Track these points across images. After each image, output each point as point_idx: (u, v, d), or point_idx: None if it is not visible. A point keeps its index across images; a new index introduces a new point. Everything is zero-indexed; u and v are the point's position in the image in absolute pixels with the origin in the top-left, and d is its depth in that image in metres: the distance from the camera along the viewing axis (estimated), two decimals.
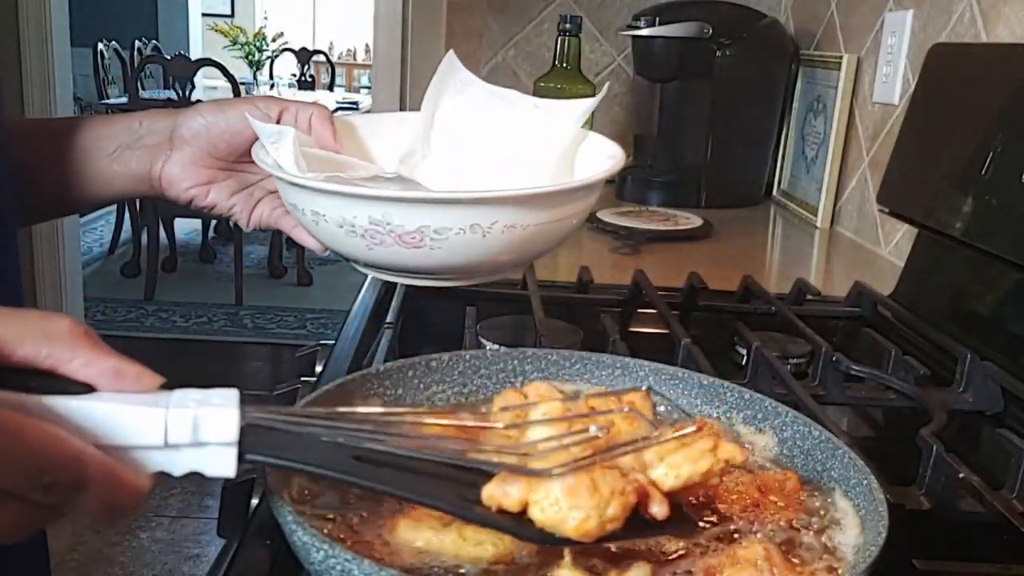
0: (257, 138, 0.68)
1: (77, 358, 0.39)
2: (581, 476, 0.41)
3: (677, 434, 0.46)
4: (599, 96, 0.74)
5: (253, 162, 0.69)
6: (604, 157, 0.70)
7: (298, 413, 0.44)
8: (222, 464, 0.40)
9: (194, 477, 0.40)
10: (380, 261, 0.63)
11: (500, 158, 0.74)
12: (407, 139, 0.76)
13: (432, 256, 0.60)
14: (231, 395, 0.40)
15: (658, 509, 0.43)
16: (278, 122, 0.70)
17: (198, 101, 1.48)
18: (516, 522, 0.41)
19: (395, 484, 0.41)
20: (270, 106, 0.70)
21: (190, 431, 0.39)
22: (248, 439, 0.40)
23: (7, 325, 0.38)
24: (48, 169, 0.70)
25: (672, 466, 0.45)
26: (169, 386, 0.41)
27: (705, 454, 0.45)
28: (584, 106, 0.73)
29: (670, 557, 0.44)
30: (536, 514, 0.41)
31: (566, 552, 0.42)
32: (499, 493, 0.41)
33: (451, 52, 0.76)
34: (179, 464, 0.39)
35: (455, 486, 0.42)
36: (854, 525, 0.47)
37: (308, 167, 0.66)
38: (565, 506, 0.40)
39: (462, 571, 0.42)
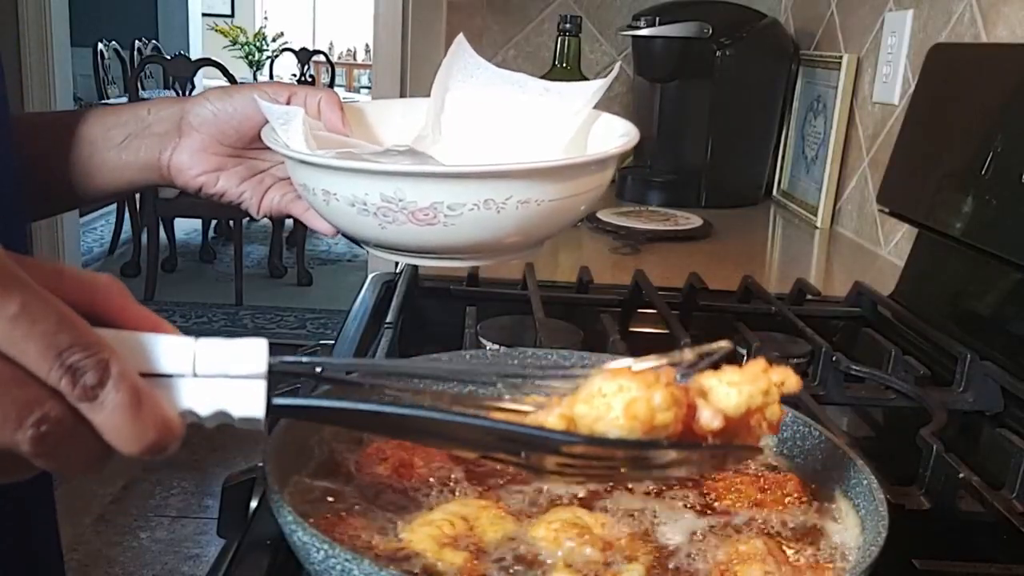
0: (265, 123, 0.68)
1: (114, 302, 0.38)
2: (622, 368, 0.40)
3: (714, 346, 0.44)
4: (611, 76, 0.73)
5: (263, 149, 0.68)
6: (617, 135, 0.70)
7: (325, 362, 0.43)
8: (251, 401, 0.38)
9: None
10: (393, 241, 0.62)
11: (512, 141, 0.73)
12: (417, 124, 0.76)
13: (445, 234, 0.59)
14: (260, 340, 0.39)
15: (709, 416, 0.41)
16: (289, 103, 0.69)
17: None
18: (563, 432, 0.40)
19: (440, 411, 0.41)
20: (278, 91, 0.70)
21: (220, 360, 0.38)
22: (277, 383, 0.39)
23: (47, 264, 0.37)
24: (57, 161, 0.70)
25: (732, 383, 0.42)
26: None
27: (759, 376, 0.42)
28: (595, 87, 0.72)
29: (675, 554, 0.44)
30: (581, 409, 0.39)
31: (559, 558, 0.42)
32: (541, 416, 0.40)
33: (461, 36, 0.75)
34: (207, 400, 0.38)
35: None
36: (854, 525, 0.47)
37: (318, 148, 0.65)
38: (610, 391, 0.39)
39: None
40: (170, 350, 0.37)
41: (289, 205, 0.72)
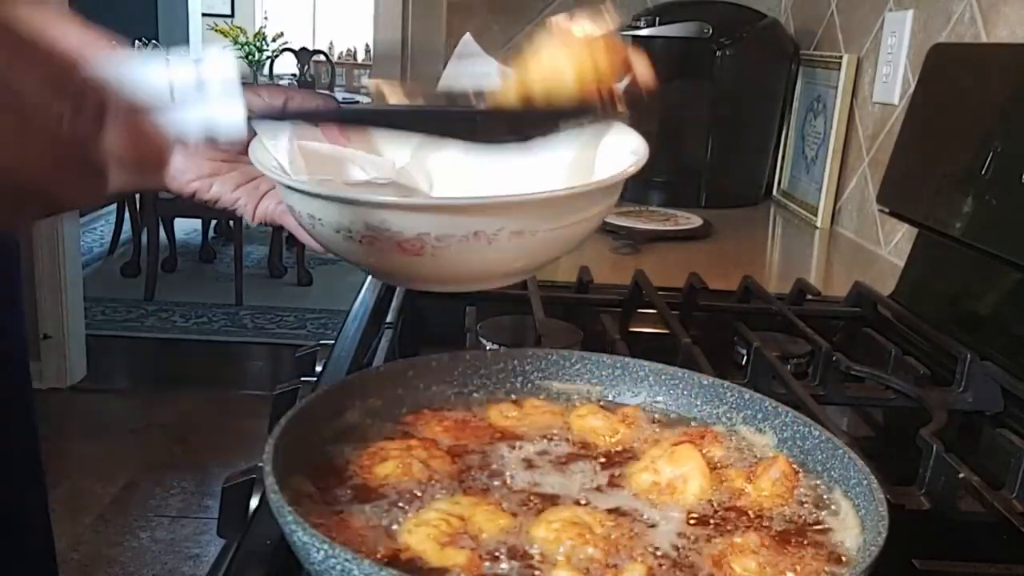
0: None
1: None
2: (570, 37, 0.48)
3: None
4: (625, 81, 0.71)
5: None
6: (627, 152, 0.65)
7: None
8: (230, 112, 0.42)
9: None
10: (381, 267, 0.60)
11: (519, 149, 0.67)
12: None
13: (434, 264, 0.56)
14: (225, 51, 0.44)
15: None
16: (283, 109, 0.68)
17: None
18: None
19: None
20: (274, 94, 0.67)
21: (194, 78, 0.41)
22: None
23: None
24: None
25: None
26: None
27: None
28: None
29: (675, 552, 0.44)
30: (536, 82, 0.47)
31: (561, 557, 0.43)
32: (500, 98, 0.49)
33: (468, 35, 0.72)
34: (190, 119, 0.41)
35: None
36: (854, 525, 0.47)
37: (307, 165, 0.64)
38: (560, 56, 0.46)
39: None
40: (149, 80, 0.41)
41: (283, 216, 0.70)
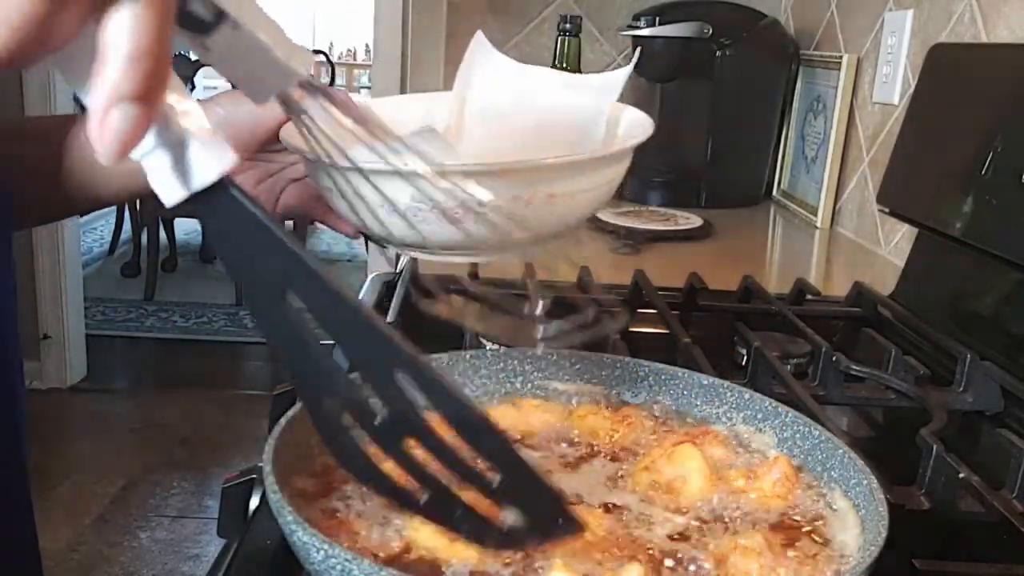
0: (280, 125, 0.65)
1: None
2: None
3: None
4: (632, 63, 0.70)
5: (276, 151, 0.66)
6: (635, 126, 0.67)
7: None
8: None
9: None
10: (429, 236, 0.57)
11: (536, 138, 0.70)
12: (438, 120, 0.72)
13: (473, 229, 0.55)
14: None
15: None
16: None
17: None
18: None
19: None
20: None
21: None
22: None
23: None
24: (55, 168, 0.68)
25: None
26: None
27: None
28: (618, 78, 0.68)
29: (675, 552, 0.44)
30: None
31: (558, 557, 0.43)
32: None
33: (479, 33, 0.72)
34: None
35: None
36: (854, 525, 0.47)
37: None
38: None
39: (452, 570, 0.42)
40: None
41: (308, 204, 0.70)
